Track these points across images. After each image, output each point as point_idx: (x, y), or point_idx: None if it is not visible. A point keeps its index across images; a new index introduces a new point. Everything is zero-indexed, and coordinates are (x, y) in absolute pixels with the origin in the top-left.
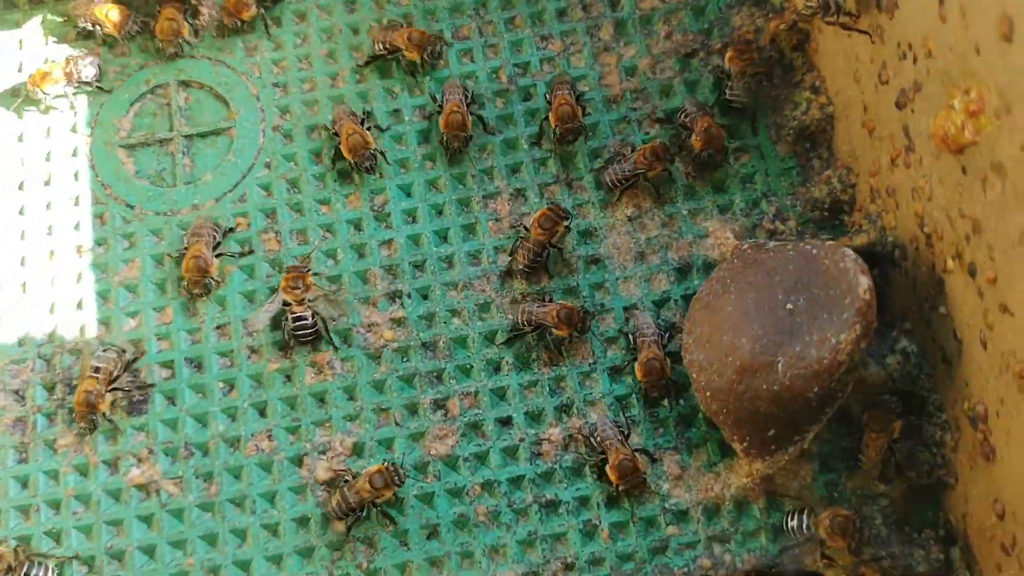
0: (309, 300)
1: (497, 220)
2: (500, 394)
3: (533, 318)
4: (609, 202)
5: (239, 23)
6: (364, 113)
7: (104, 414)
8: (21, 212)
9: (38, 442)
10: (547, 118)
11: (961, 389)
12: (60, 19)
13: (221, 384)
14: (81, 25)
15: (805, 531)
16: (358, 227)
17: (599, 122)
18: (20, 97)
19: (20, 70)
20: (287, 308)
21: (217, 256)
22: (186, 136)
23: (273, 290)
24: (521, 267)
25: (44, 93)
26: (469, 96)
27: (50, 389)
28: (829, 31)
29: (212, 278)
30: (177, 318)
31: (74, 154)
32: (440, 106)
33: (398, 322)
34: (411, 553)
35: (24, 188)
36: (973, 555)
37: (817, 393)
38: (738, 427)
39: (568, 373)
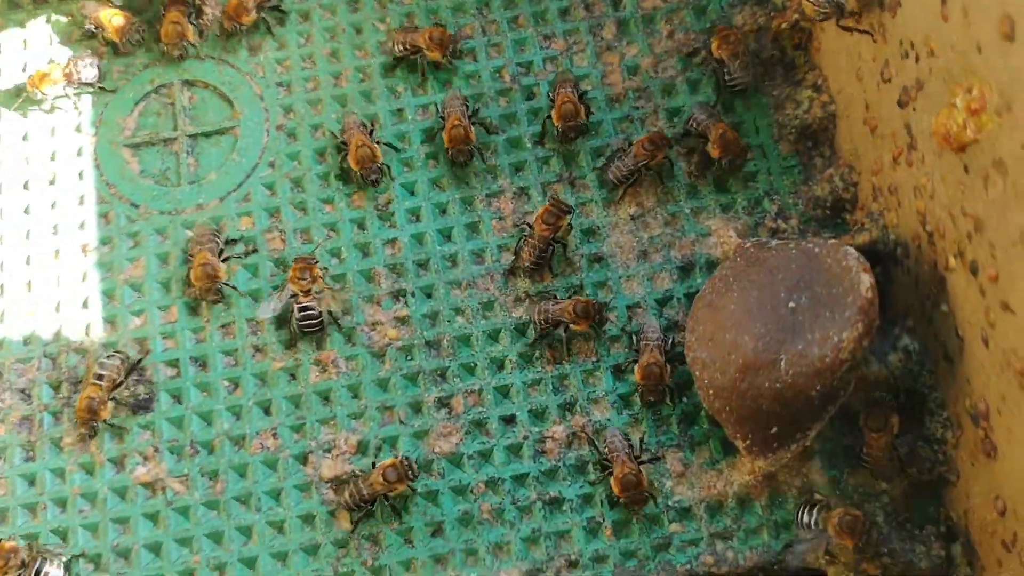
0: (316, 292)
1: (501, 219)
2: (504, 392)
3: (550, 316)
4: (613, 200)
5: (239, 27)
6: (372, 124)
7: (105, 421)
8: (26, 211)
9: (44, 440)
10: (550, 116)
11: (963, 386)
12: (64, 19)
13: (226, 382)
14: (87, 27)
15: (815, 526)
16: (362, 226)
17: (602, 121)
18: (21, 97)
19: (24, 70)
20: (293, 300)
21: (224, 261)
22: (190, 135)
23: (276, 288)
24: (527, 264)
25: (44, 94)
26: (469, 107)
27: (56, 388)
28: (831, 30)
29: (223, 283)
30: (182, 317)
31: (79, 153)
32: (442, 119)
33: (402, 321)
34: (416, 550)
35: (29, 187)
36: (974, 551)
37: (819, 391)
38: (741, 425)
39: (571, 371)
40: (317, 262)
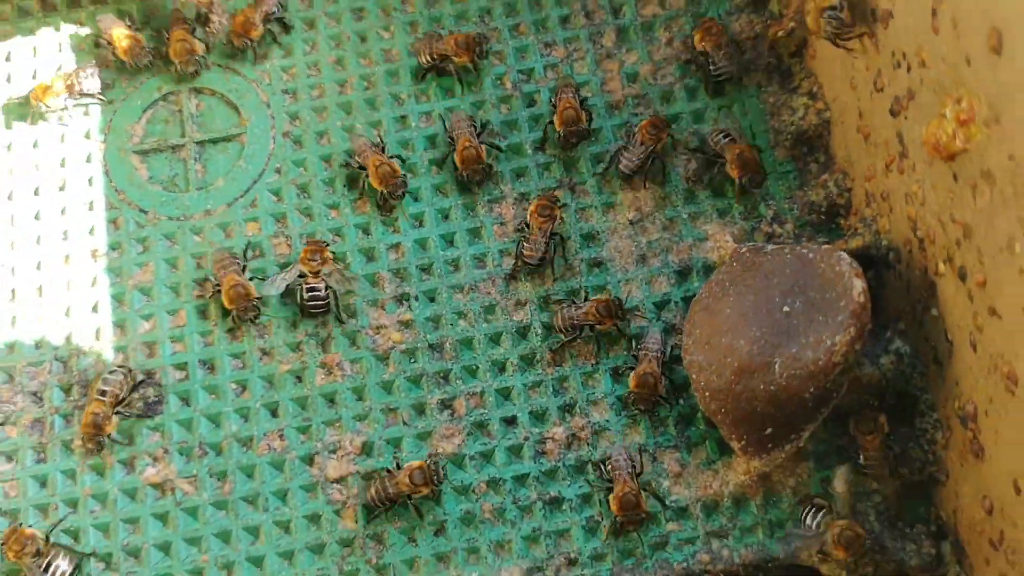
0: (324, 274)
1: (502, 224)
2: (505, 394)
3: (574, 321)
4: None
5: (248, 43)
6: (382, 141)
7: (110, 435)
8: (37, 217)
9: (55, 442)
10: (551, 122)
11: (952, 389)
12: (74, 27)
13: (234, 385)
14: (102, 39)
15: (816, 529)
16: (366, 231)
17: (602, 127)
18: (28, 107)
19: (34, 77)
20: (302, 280)
21: (251, 279)
22: (198, 142)
23: (283, 267)
24: (532, 261)
25: (47, 107)
26: (478, 126)
27: (67, 391)
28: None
29: (256, 300)
30: (191, 321)
31: (88, 160)
32: (451, 141)
33: (406, 324)
34: (419, 549)
35: (40, 193)
36: (963, 550)
37: (813, 393)
38: (736, 426)
39: (571, 373)
40: (327, 245)
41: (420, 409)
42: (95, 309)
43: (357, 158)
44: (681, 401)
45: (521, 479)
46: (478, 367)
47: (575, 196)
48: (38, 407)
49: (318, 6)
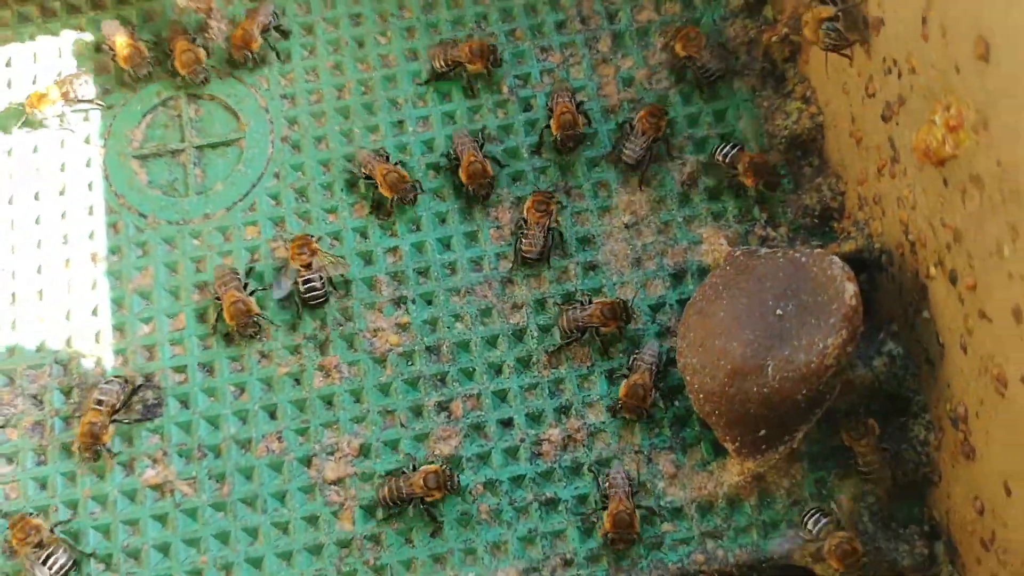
0: (316, 265)
1: (499, 227)
2: (502, 396)
3: (579, 323)
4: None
5: (249, 55)
6: (385, 152)
7: (107, 445)
8: (37, 221)
9: (56, 445)
10: (548, 126)
11: (943, 390)
12: (74, 33)
13: (232, 387)
14: (105, 44)
15: (816, 534)
16: (364, 235)
17: (597, 132)
18: (24, 114)
19: (34, 82)
20: (296, 275)
21: (250, 295)
22: (197, 147)
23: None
24: (532, 256)
25: (43, 114)
26: (481, 141)
27: (67, 393)
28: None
29: (257, 316)
30: (190, 324)
31: (88, 165)
32: (455, 159)
33: (403, 327)
34: (416, 550)
35: (40, 198)
36: (955, 550)
37: (805, 395)
38: (730, 428)
39: (567, 376)
40: (313, 237)
41: (417, 411)
42: (95, 312)
43: (363, 170)
44: (676, 403)
45: (517, 480)
46: (475, 369)
47: (571, 200)
48: (38, 410)
49: (316, 12)
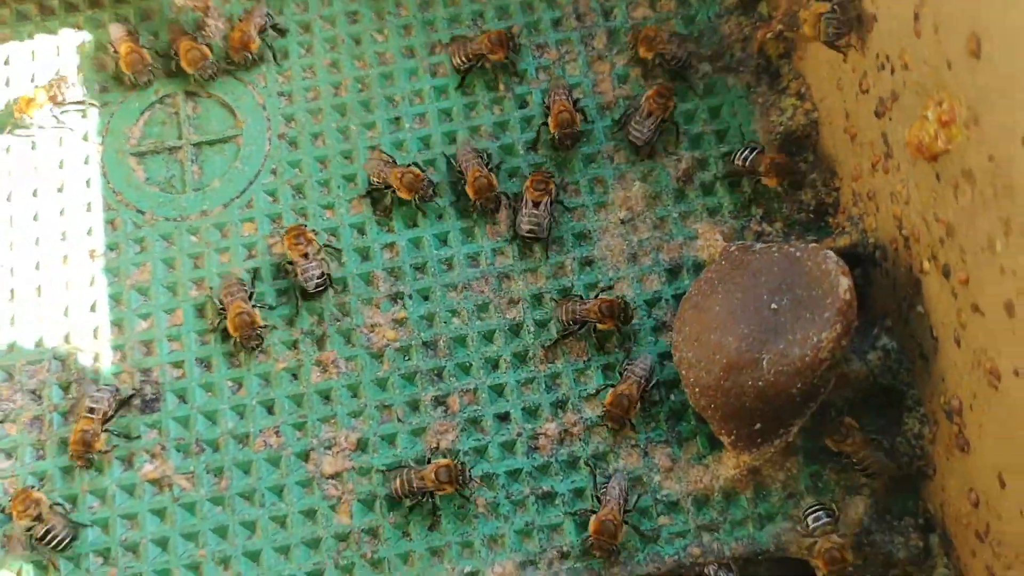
0: (313, 254)
1: (495, 224)
2: (498, 391)
3: (577, 316)
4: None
5: (249, 56)
6: (390, 157)
7: (99, 452)
8: (35, 218)
9: (54, 440)
10: (545, 124)
11: (938, 384)
12: (71, 31)
13: (230, 383)
14: (109, 45)
15: (811, 531)
16: (361, 231)
17: (593, 128)
18: (12, 119)
19: (32, 80)
20: (294, 265)
21: (254, 307)
22: (195, 144)
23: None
24: (540, 233)
25: (31, 119)
26: (486, 157)
27: (65, 388)
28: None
29: (261, 327)
30: (187, 320)
31: (86, 162)
32: (461, 173)
33: (400, 322)
34: (413, 543)
35: (38, 195)
36: (950, 542)
37: (800, 389)
38: (725, 421)
39: (563, 370)
40: (307, 226)
41: (414, 406)
42: (93, 308)
43: (376, 178)
44: (672, 397)
45: (514, 474)
46: (472, 364)
47: (567, 195)
48: (37, 405)
49: (313, 9)
